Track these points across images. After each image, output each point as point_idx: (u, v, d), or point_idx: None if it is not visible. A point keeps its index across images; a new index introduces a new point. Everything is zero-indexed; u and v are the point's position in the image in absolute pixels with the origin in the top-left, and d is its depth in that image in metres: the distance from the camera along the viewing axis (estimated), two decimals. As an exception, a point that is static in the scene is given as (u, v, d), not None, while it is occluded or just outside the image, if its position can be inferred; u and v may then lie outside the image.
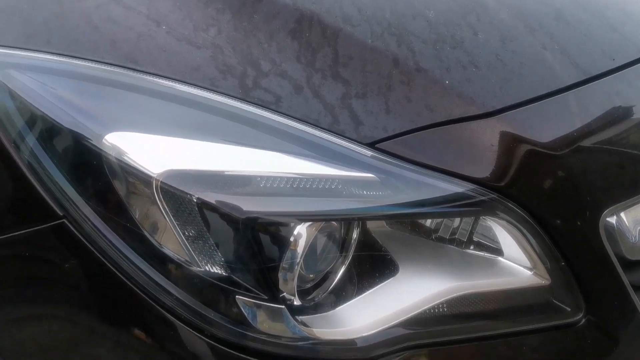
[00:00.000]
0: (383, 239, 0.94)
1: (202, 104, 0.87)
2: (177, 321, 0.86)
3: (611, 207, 0.96)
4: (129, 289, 0.86)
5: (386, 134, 0.88)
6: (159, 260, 0.86)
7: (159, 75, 0.88)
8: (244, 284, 0.84)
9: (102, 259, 0.86)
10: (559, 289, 0.95)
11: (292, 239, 0.83)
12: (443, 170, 0.88)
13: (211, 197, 0.82)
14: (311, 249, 0.86)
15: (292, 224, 0.83)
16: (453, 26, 1.02)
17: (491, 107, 0.93)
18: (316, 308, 0.89)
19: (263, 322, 0.85)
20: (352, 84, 0.91)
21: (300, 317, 0.86)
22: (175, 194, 0.82)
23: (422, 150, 0.89)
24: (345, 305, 0.88)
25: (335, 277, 0.90)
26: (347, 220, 0.89)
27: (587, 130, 0.96)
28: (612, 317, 0.98)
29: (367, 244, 0.92)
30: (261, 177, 0.83)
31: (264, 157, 0.84)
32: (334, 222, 0.89)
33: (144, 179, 0.82)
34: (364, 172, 0.86)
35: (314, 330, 0.86)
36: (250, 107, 0.87)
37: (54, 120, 0.86)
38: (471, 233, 0.95)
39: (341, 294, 0.90)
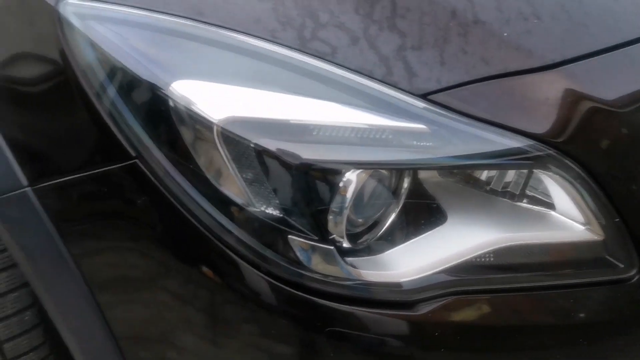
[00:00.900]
0: (433, 188, 0.95)
1: (261, 54, 0.89)
2: (238, 259, 0.91)
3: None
4: (194, 227, 0.92)
5: (439, 85, 0.89)
6: (221, 201, 0.91)
7: (222, 27, 0.91)
8: (297, 225, 0.88)
9: (170, 198, 0.92)
10: (612, 245, 0.94)
11: (341, 184, 0.86)
12: (497, 123, 0.88)
13: (268, 144, 0.86)
14: (360, 195, 0.89)
15: (342, 171, 0.86)
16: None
17: (550, 60, 0.92)
18: (366, 251, 0.92)
19: (317, 264, 0.90)
20: (408, 36, 0.92)
21: (349, 259, 0.90)
22: (234, 140, 0.86)
23: (475, 103, 0.89)
24: (393, 250, 0.91)
25: (385, 223, 0.93)
26: (397, 169, 0.91)
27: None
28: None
29: (417, 192, 0.94)
30: (314, 125, 0.86)
31: (318, 107, 0.87)
32: (383, 171, 0.91)
33: (207, 125, 0.87)
34: (416, 123, 0.87)
35: (362, 271, 0.90)
36: (307, 58, 0.89)
37: (129, 69, 0.90)
38: (524, 186, 0.95)
39: (390, 240, 0.93)
